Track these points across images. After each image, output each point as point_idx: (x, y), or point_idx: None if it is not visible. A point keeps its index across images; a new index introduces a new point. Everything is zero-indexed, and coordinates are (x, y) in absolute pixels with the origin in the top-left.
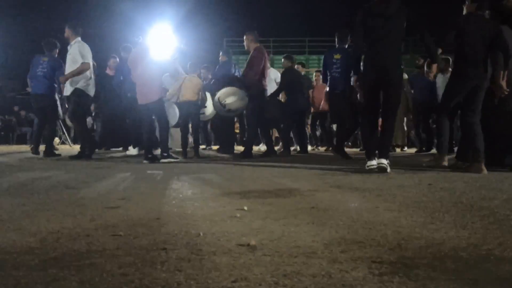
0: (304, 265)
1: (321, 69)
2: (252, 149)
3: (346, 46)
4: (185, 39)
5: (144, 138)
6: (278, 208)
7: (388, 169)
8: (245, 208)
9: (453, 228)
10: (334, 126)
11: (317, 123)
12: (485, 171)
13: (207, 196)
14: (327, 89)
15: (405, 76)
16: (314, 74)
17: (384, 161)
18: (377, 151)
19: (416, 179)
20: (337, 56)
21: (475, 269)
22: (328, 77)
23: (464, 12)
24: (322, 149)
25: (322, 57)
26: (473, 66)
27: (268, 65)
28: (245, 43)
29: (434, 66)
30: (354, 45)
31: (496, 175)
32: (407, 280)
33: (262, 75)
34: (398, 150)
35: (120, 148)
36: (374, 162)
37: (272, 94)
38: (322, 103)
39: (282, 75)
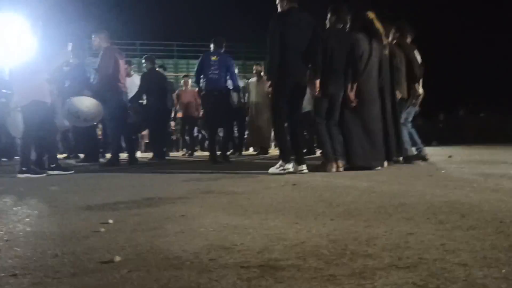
0: (173, 278)
1: (189, 73)
2: (118, 156)
3: (222, 51)
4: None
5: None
6: (146, 218)
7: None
8: (110, 221)
9: (315, 226)
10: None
11: (186, 128)
12: (334, 169)
13: (67, 210)
14: (200, 90)
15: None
16: (182, 79)
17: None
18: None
19: (282, 180)
20: (214, 58)
21: (334, 265)
22: (203, 79)
23: (327, 26)
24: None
25: (191, 61)
26: (334, 75)
27: (125, 67)
28: (95, 43)
29: (318, 82)
30: (272, 53)
31: (349, 173)
32: (273, 283)
33: (116, 77)
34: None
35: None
36: (290, 166)
37: (131, 98)
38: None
39: (142, 77)
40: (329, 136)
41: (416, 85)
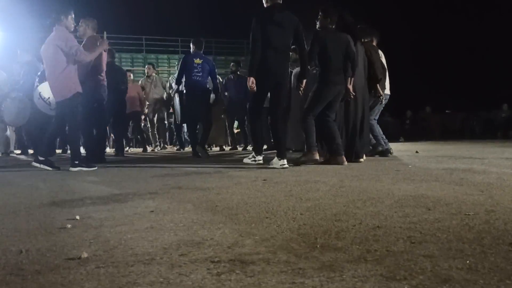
0: (141, 274)
1: (131, 68)
2: (91, 152)
3: (201, 52)
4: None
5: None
6: (114, 214)
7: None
8: (77, 217)
9: (285, 221)
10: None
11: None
12: (318, 158)
13: (32, 207)
14: (183, 90)
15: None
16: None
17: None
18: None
19: (253, 176)
20: (198, 61)
21: (304, 258)
22: (183, 80)
23: (318, 26)
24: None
25: (160, 56)
26: (337, 73)
27: (105, 59)
28: (80, 29)
29: (304, 81)
30: (254, 50)
31: (318, 169)
32: (243, 277)
33: (95, 69)
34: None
35: None
36: (260, 158)
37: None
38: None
39: None
40: (327, 133)
41: (378, 86)
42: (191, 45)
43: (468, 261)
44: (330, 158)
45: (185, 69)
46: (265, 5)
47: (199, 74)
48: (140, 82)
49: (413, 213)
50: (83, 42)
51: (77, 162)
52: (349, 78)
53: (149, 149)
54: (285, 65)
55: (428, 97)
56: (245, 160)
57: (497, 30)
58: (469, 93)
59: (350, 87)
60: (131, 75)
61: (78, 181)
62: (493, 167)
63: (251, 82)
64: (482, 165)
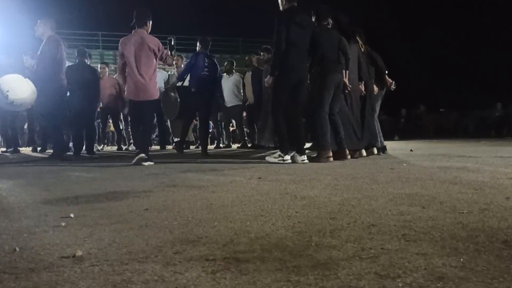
0: (136, 272)
1: (105, 61)
2: (59, 149)
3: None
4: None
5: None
6: (109, 212)
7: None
8: (71, 215)
9: (280, 219)
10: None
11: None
12: (331, 159)
13: (26, 205)
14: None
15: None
16: (99, 66)
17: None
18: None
19: (248, 173)
20: (209, 60)
21: (299, 256)
22: (188, 76)
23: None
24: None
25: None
26: (333, 63)
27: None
28: (38, 30)
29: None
30: (278, 48)
31: (313, 167)
32: (238, 275)
33: (59, 68)
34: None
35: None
36: (288, 157)
37: None
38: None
39: (66, 69)
40: (331, 127)
41: (386, 77)
42: (198, 44)
43: (462, 259)
44: (317, 155)
45: (194, 66)
46: (281, 7)
47: (208, 72)
48: (115, 75)
49: (408, 211)
50: (43, 42)
51: (146, 157)
52: (344, 71)
53: (123, 147)
54: (306, 64)
55: (422, 95)
56: (269, 159)
57: (492, 28)
58: (464, 91)
59: (346, 80)
60: (106, 67)
61: (72, 179)
62: (486, 166)
63: (269, 81)
64: (476, 163)
